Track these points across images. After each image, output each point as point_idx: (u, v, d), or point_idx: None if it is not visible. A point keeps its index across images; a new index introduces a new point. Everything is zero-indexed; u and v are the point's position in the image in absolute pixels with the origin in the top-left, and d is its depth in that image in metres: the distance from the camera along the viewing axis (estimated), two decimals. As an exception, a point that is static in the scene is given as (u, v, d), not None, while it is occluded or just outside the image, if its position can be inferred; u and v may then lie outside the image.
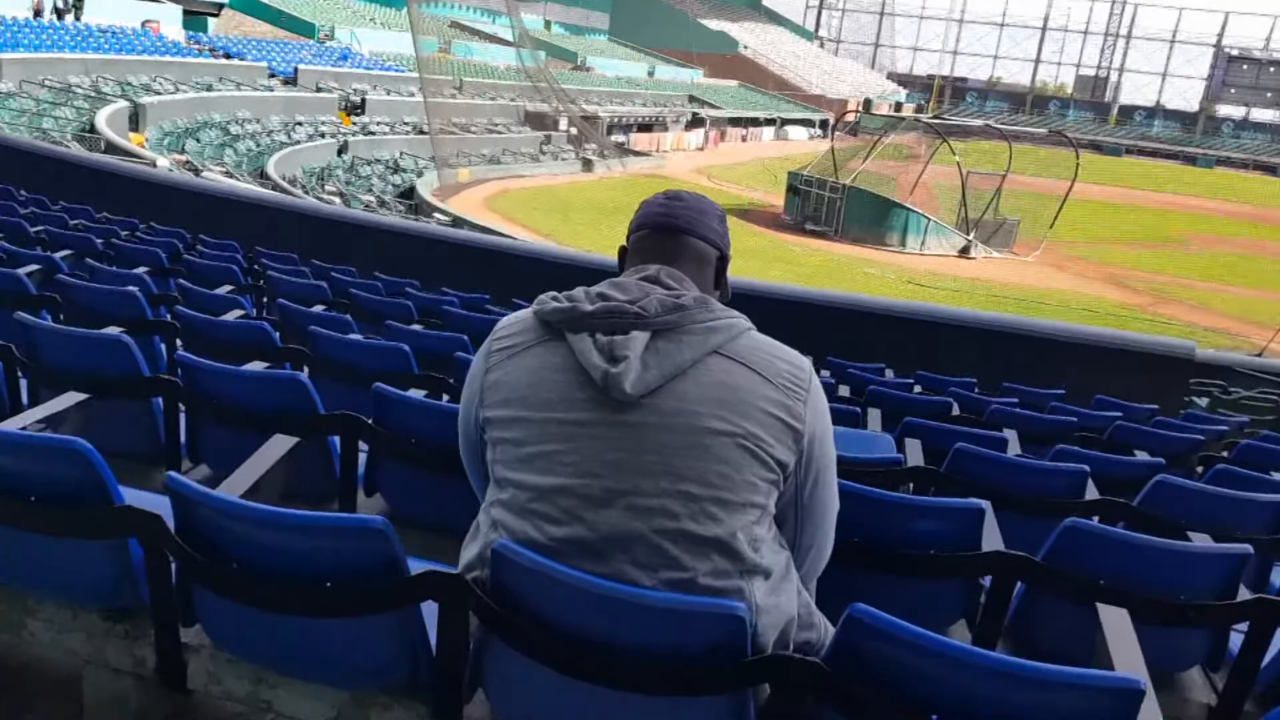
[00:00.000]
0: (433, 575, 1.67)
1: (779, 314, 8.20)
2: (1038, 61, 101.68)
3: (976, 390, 6.66)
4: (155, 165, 14.93)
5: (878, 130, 37.48)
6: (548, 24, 70.78)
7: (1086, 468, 3.25)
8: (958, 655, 1.44)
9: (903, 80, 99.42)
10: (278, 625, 1.79)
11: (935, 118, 45.69)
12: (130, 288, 4.11)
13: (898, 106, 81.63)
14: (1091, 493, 3.45)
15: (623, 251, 1.83)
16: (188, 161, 20.28)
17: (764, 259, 26.72)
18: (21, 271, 4.26)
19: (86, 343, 2.98)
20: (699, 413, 1.48)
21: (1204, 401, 7.09)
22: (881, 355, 7.72)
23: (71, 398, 2.70)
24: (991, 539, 2.64)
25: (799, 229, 32.18)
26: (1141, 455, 4.44)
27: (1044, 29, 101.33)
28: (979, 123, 38.21)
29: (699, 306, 1.56)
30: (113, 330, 3.43)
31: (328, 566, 1.70)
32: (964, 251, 30.03)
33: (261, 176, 23.20)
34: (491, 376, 1.63)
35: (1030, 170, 34.27)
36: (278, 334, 3.81)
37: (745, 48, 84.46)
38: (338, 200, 24.46)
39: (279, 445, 2.31)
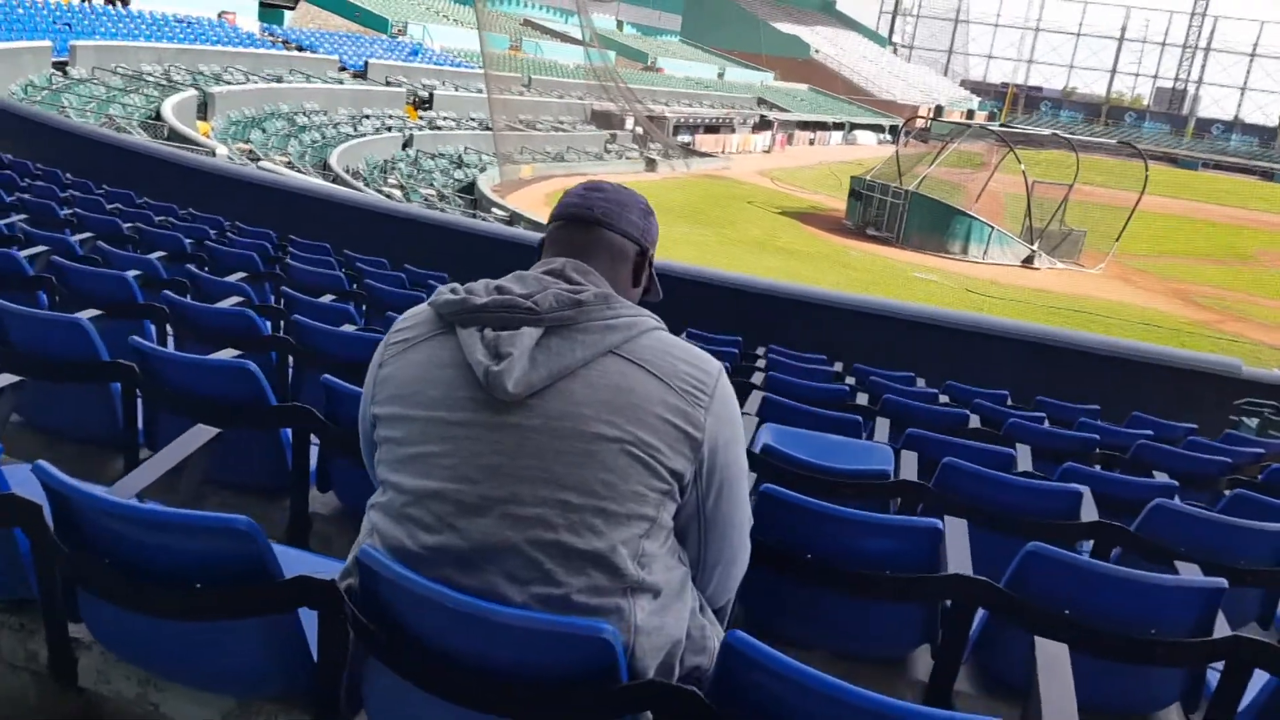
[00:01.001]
0: (304, 581, 1.58)
1: (801, 316, 8.09)
2: (1114, 72, 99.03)
3: (1008, 403, 6.41)
4: (214, 154, 15.23)
5: (944, 137, 36.78)
6: (620, 24, 70.94)
7: (1082, 488, 3.05)
8: (832, 693, 1.30)
9: (976, 88, 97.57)
10: (153, 627, 1.71)
11: (1004, 126, 44.65)
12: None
13: (970, 114, 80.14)
14: (1091, 515, 3.25)
15: (540, 244, 1.71)
16: (250, 150, 20.69)
17: (822, 263, 26.41)
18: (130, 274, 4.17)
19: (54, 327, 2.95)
20: (586, 416, 1.37)
21: (1254, 422, 6.71)
22: (916, 364, 7.48)
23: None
24: (958, 561, 2.47)
25: (860, 234, 31.73)
26: (1160, 477, 4.18)
27: (1121, 39, 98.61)
28: (1047, 132, 37.18)
29: (600, 303, 1.45)
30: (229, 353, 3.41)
31: (195, 567, 1.61)
32: (1028, 261, 29.31)
33: (324, 168, 23.57)
34: (383, 371, 1.54)
35: (1099, 181, 33.34)
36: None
37: (817, 52, 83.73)
38: (398, 193, 24.77)
39: (199, 435, 2.23)
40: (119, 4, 26.76)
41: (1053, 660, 1.84)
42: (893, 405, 4.79)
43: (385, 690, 1.58)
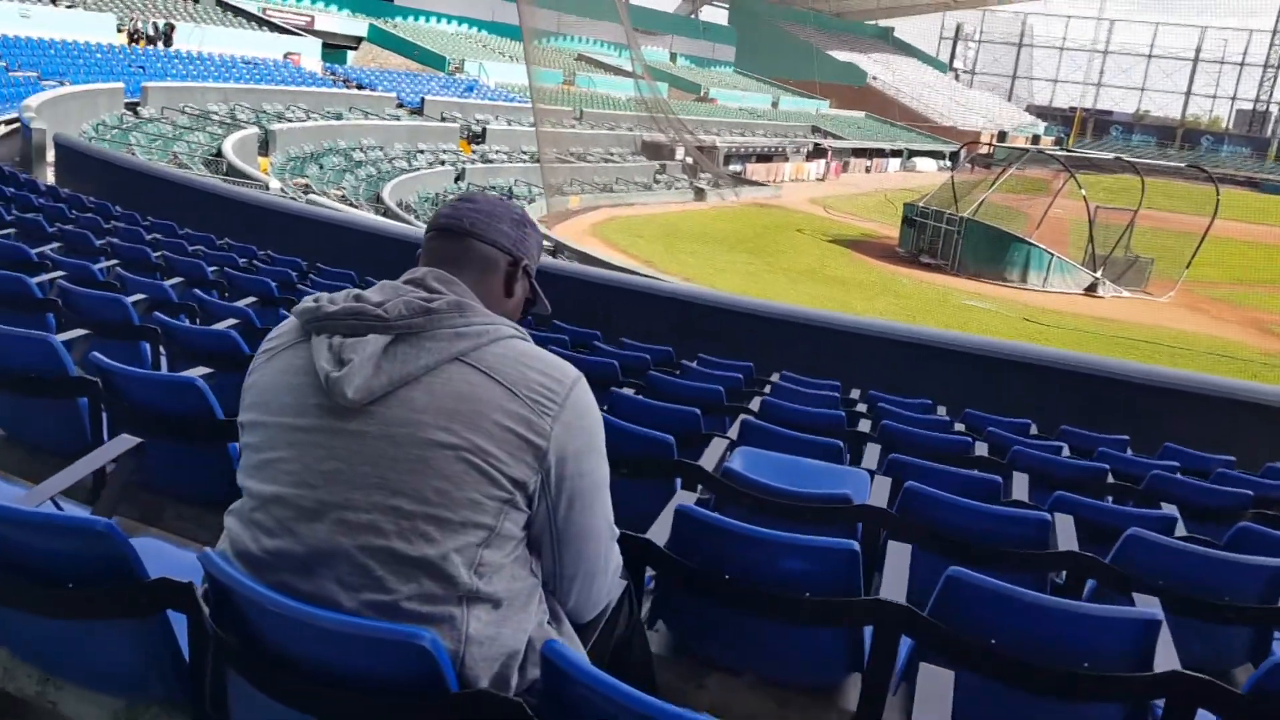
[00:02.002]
0: (165, 584, 1.60)
1: (819, 341, 7.98)
2: (1189, 94, 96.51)
3: (1031, 432, 6.24)
4: (268, 189, 15.68)
5: (1002, 162, 36.19)
6: (673, 56, 71.54)
7: (1046, 516, 2.93)
8: (644, 710, 1.27)
9: (1041, 113, 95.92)
10: (38, 626, 1.76)
11: (1064, 150, 43.79)
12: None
13: (1035, 139, 78.74)
14: (1070, 544, 3.13)
15: (417, 257, 1.74)
16: (306, 186, 21.26)
17: (871, 291, 26.12)
18: (129, 300, 4.30)
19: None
20: (423, 423, 1.38)
21: (1306, 456, 6.40)
22: (942, 392, 7.33)
23: None
24: (894, 586, 2.39)
25: (914, 262, 31.31)
26: (1168, 508, 4.01)
27: (1196, 60, 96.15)
28: (1110, 156, 36.35)
29: (451, 311, 1.45)
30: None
31: (67, 568, 1.65)
32: (1091, 290, 28.53)
33: (377, 201, 24.11)
34: (249, 380, 1.57)
35: (1169, 206, 32.40)
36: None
37: (874, 79, 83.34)
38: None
39: (119, 444, 2.28)
40: (161, 44, 27.86)
41: (934, 687, 1.76)
42: (890, 431, 4.69)
43: (241, 694, 1.58)
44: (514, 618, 1.44)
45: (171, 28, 28.89)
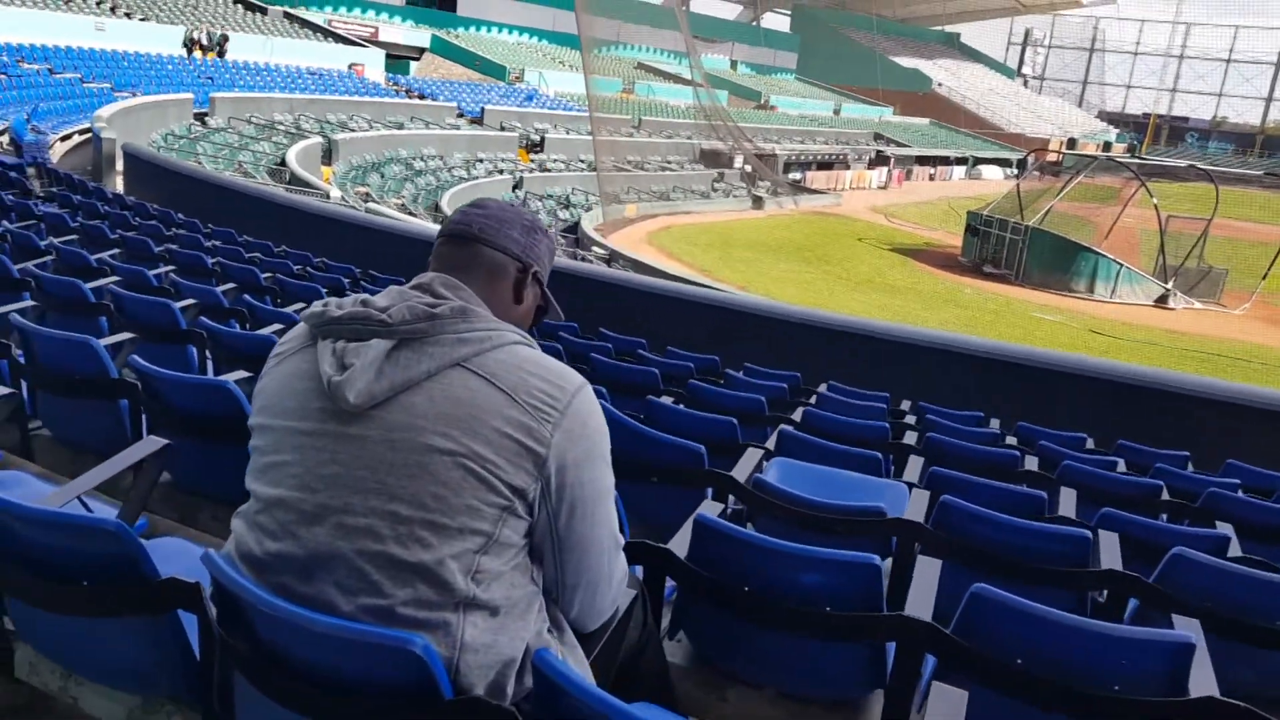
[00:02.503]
0: (173, 584, 1.63)
1: (870, 351, 7.86)
2: (1270, 100, 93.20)
3: (1086, 447, 6.06)
4: (328, 197, 15.99)
5: (1069, 170, 35.36)
6: (734, 64, 71.37)
7: (1087, 533, 2.82)
8: (630, 724, 1.25)
9: (1113, 119, 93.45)
10: (58, 623, 1.80)
11: (1135, 158, 42.60)
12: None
13: (1106, 146, 76.83)
14: (1114, 562, 3.02)
15: (428, 262, 1.75)
16: (366, 194, 21.65)
17: (931, 301, 25.70)
18: (177, 306, 4.42)
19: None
20: (423, 428, 1.38)
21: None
22: (1000, 405, 7.18)
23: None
24: (920, 603, 2.33)
25: (976, 272, 30.74)
26: (1223, 527, 3.85)
27: (1278, 65, 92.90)
28: (1184, 163, 35.27)
29: (456, 316, 1.45)
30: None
31: (80, 566, 1.69)
32: (1161, 301, 27.68)
33: (435, 210, 24.45)
34: (260, 384, 1.59)
35: (1246, 215, 31.30)
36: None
37: (939, 85, 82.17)
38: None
39: (147, 445, 2.32)
40: (213, 55, 28.72)
41: (945, 705, 1.70)
42: (934, 444, 4.59)
43: (246, 694, 1.59)
44: (512, 625, 1.43)
45: (225, 38, 29.76)
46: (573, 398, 1.45)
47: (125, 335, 3.86)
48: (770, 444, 4.05)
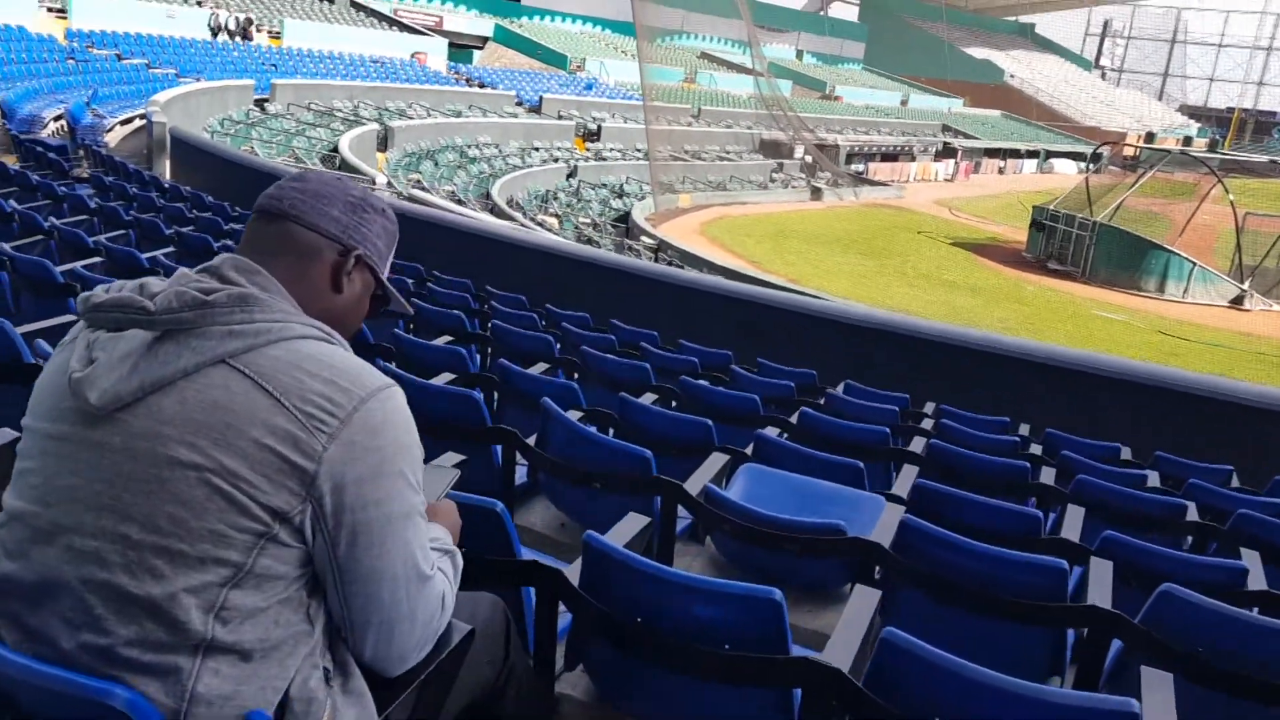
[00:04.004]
0: None
1: (898, 349, 7.51)
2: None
3: (1120, 458, 5.68)
4: (374, 183, 16.03)
5: (1145, 165, 34.06)
6: (800, 54, 70.42)
7: (1063, 563, 2.53)
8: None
9: (1195, 113, 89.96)
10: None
11: (1213, 153, 40.89)
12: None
13: (1186, 141, 74.00)
14: (1103, 596, 2.72)
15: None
16: (418, 181, 21.74)
17: (992, 298, 24.96)
18: None
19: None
20: (167, 437, 1.18)
21: None
22: (1041, 410, 6.81)
23: None
24: (843, 642, 2.07)
25: (1041, 268, 29.78)
26: (1249, 556, 3.50)
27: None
28: (1265, 158, 33.73)
29: (232, 305, 1.25)
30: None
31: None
32: (1236, 302, 26.48)
33: (485, 198, 24.47)
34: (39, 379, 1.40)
35: (1331, 213, 29.74)
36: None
37: (1012, 76, 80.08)
38: (553, 222, 25.35)
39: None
40: (240, 38, 28.96)
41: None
42: (935, 451, 4.29)
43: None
44: (266, 672, 1.21)
45: (250, 22, 29.96)
46: (361, 404, 1.23)
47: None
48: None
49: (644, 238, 25.11)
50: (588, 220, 28.25)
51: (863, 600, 2.20)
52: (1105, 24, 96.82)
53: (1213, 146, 69.46)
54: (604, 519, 2.70)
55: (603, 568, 1.88)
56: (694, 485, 3.14)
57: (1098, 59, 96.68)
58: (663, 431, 3.70)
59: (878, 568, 2.71)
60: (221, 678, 1.18)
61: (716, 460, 3.32)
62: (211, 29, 28.43)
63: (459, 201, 21.14)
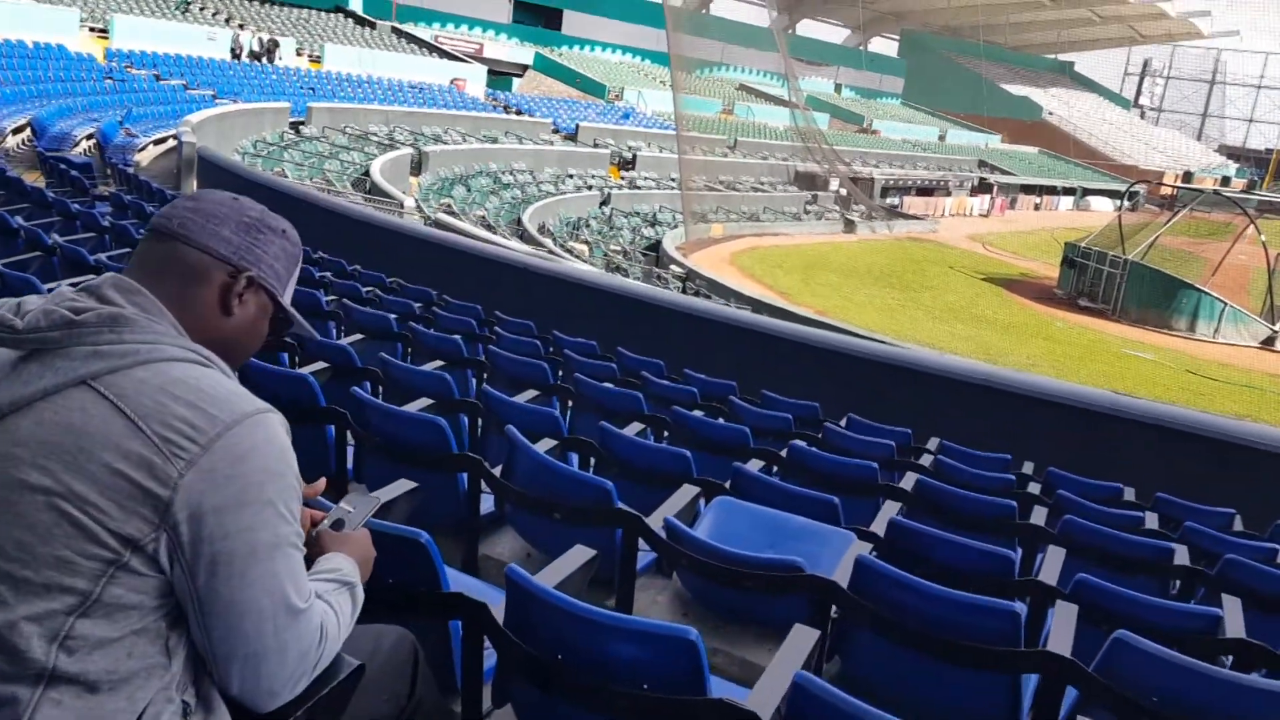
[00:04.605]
0: None
1: (911, 389, 7.47)
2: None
3: (1122, 499, 5.60)
4: (403, 207, 16.27)
5: (1178, 204, 33.70)
6: (838, 87, 70.65)
7: (1020, 608, 2.51)
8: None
9: (1233, 153, 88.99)
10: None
11: (1248, 194, 40.34)
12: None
13: (1224, 181, 73.03)
14: (1064, 643, 2.69)
15: None
16: (449, 206, 22.00)
17: (1020, 334, 24.73)
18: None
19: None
20: (20, 459, 1.18)
21: None
22: (1035, 450, 6.73)
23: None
24: (769, 688, 2.06)
25: (1072, 305, 29.51)
26: (1230, 603, 3.44)
27: None
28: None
29: (101, 325, 1.25)
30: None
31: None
32: (1268, 343, 26.10)
33: (518, 224, 24.70)
34: None
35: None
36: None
37: (1050, 114, 79.71)
38: (583, 249, 25.51)
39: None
40: (264, 60, 28.75)
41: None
42: (922, 487, 4.26)
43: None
44: (113, 705, 1.19)
45: (275, 44, 29.78)
46: (226, 430, 1.22)
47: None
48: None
49: (673, 266, 25.19)
50: (618, 248, 28.40)
51: (799, 641, 2.19)
52: (1145, 64, 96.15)
53: (1250, 187, 68.52)
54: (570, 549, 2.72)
55: (525, 603, 1.89)
56: (662, 516, 3.15)
57: (1137, 98, 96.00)
58: (641, 462, 3.72)
59: (834, 607, 2.69)
60: (62, 709, 1.16)
61: (687, 492, 3.33)
62: (233, 51, 28.32)
63: (489, 227, 21.36)
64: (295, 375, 3.23)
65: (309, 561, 1.51)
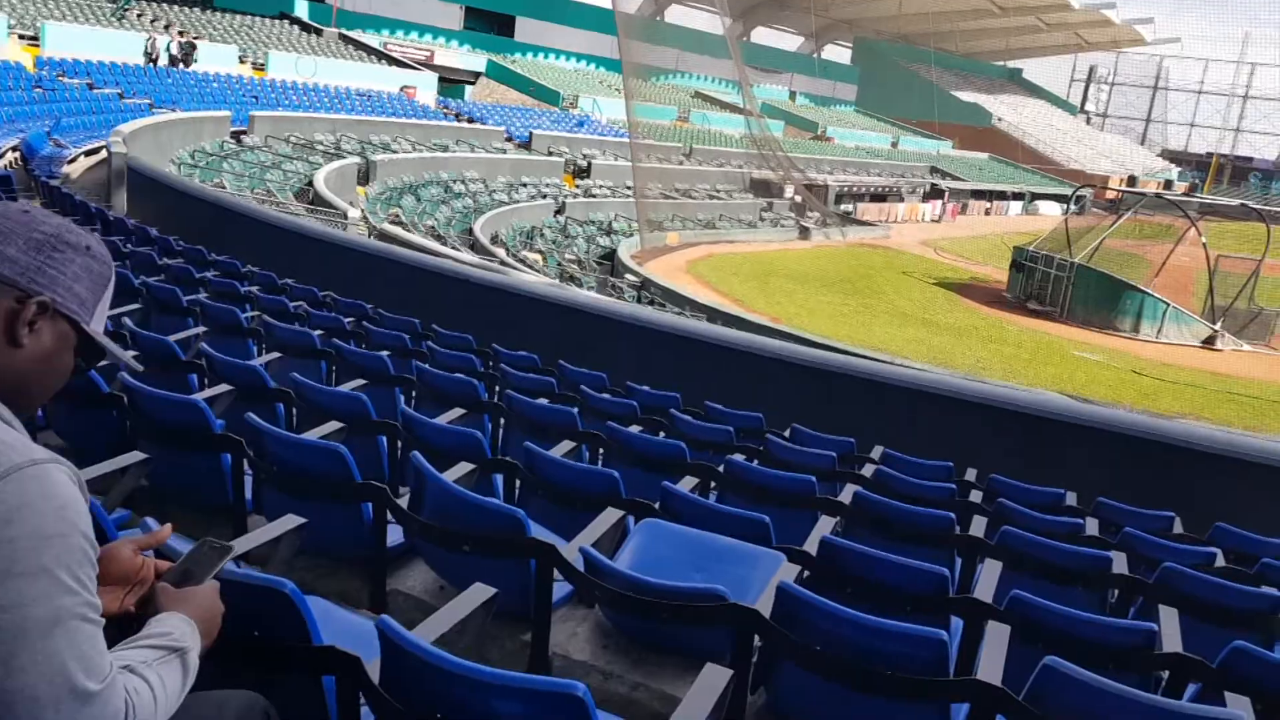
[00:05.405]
0: None
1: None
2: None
3: (1064, 504, 5.56)
4: (346, 217, 15.97)
5: (1123, 207, 34.34)
6: (792, 95, 71.19)
7: (943, 635, 2.39)
8: None
9: (1176, 158, 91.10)
10: None
11: (1189, 196, 41.28)
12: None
13: (1167, 184, 74.77)
14: (994, 669, 2.59)
15: None
16: (396, 216, 21.65)
17: (970, 337, 24.96)
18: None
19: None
20: None
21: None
22: (981, 457, 6.69)
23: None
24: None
25: (1021, 308, 29.90)
26: (1167, 614, 3.38)
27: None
28: (1235, 202, 34.05)
29: None
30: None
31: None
32: (1208, 342, 26.67)
33: (469, 234, 24.38)
34: None
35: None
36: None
37: (999, 120, 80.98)
38: (538, 258, 25.28)
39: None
40: (182, 65, 26.98)
41: None
42: (860, 500, 4.16)
43: None
44: None
45: (193, 47, 27.79)
46: None
47: None
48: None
49: (628, 275, 25.05)
50: (573, 258, 28.19)
51: (710, 682, 2.05)
52: (1091, 70, 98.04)
53: (1192, 190, 70.24)
54: (485, 582, 2.57)
55: (398, 659, 1.73)
56: (584, 541, 3.01)
57: (1083, 104, 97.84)
58: (568, 483, 3.57)
59: (756, 637, 2.57)
60: None
61: (610, 516, 3.19)
62: (148, 55, 26.21)
63: (439, 238, 21.06)
64: (185, 401, 3.03)
65: (143, 622, 1.36)
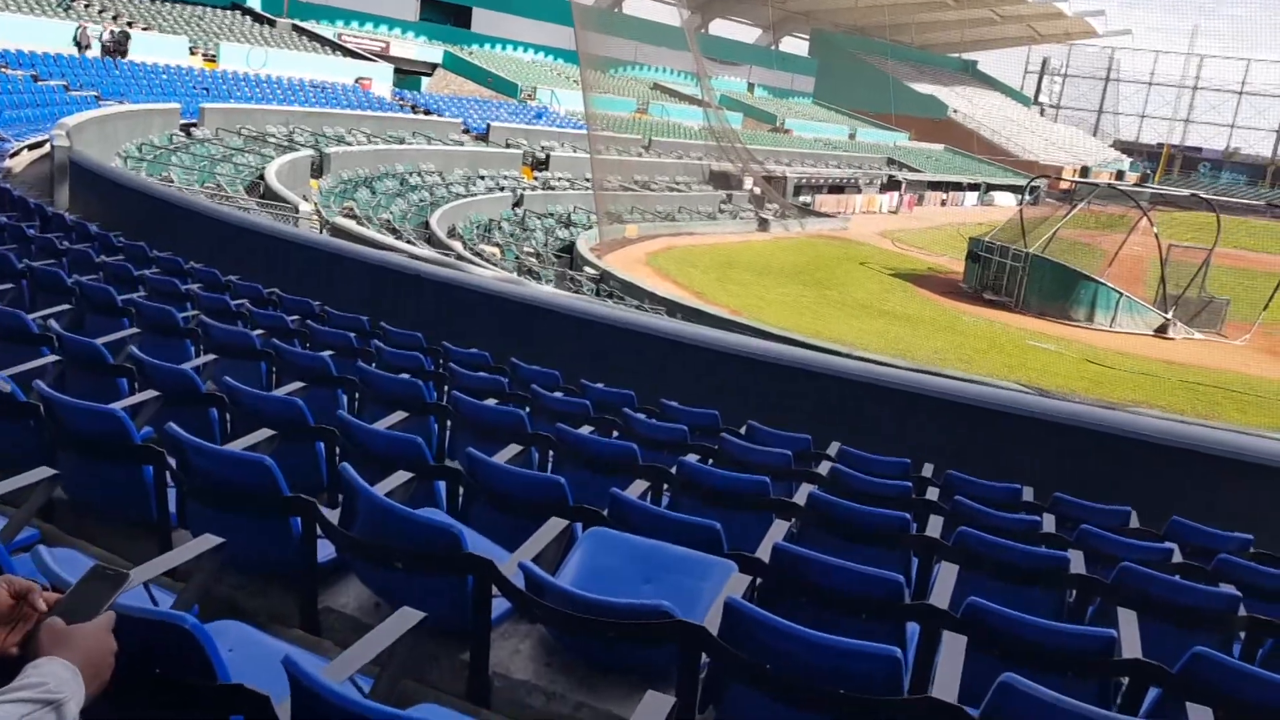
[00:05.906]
0: None
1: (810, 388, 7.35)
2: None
3: (1020, 499, 5.54)
4: (298, 211, 15.64)
5: (1076, 198, 34.80)
6: (750, 87, 71.21)
7: (896, 651, 2.31)
8: None
9: (1127, 148, 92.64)
10: None
11: (1140, 187, 41.95)
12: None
13: (1119, 175, 76.06)
14: (950, 677, 2.51)
15: None
16: (350, 210, 21.29)
17: (927, 328, 25.13)
18: None
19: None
20: None
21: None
22: (938, 452, 6.67)
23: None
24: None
25: (977, 299, 30.18)
26: (1125, 615, 3.34)
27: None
28: (1185, 192, 34.65)
29: None
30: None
31: None
32: (1161, 331, 27.10)
33: (425, 227, 24.05)
34: None
35: (1251, 245, 30.59)
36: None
37: (955, 112, 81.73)
38: (496, 251, 25.01)
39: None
40: (117, 57, 25.49)
41: None
42: (814, 501, 4.08)
43: None
44: None
45: (127, 36, 26.25)
46: None
47: None
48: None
49: (587, 268, 24.87)
50: (531, 250, 27.94)
51: (652, 708, 1.95)
52: (1044, 62, 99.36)
53: (1144, 180, 71.44)
54: (420, 599, 2.44)
55: (307, 701, 1.60)
56: (525, 554, 2.89)
57: (1036, 95, 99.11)
58: (512, 491, 3.45)
59: (704, 655, 2.46)
60: None
61: (553, 527, 3.07)
62: (77, 44, 24.58)
63: (394, 231, 20.74)
64: (104, 410, 2.86)
65: (22, 664, 1.23)
